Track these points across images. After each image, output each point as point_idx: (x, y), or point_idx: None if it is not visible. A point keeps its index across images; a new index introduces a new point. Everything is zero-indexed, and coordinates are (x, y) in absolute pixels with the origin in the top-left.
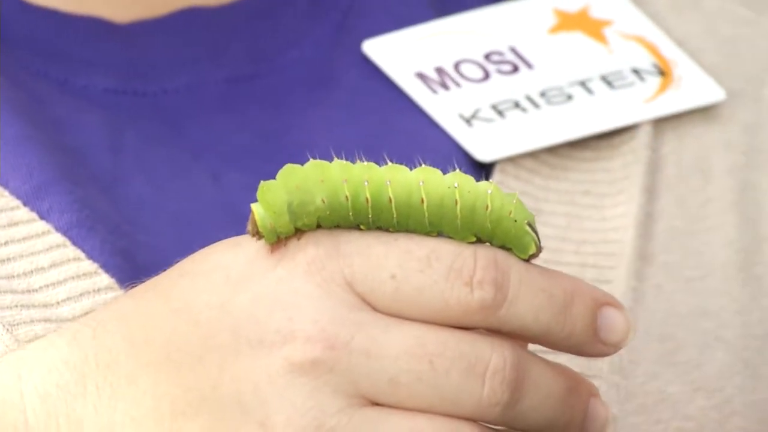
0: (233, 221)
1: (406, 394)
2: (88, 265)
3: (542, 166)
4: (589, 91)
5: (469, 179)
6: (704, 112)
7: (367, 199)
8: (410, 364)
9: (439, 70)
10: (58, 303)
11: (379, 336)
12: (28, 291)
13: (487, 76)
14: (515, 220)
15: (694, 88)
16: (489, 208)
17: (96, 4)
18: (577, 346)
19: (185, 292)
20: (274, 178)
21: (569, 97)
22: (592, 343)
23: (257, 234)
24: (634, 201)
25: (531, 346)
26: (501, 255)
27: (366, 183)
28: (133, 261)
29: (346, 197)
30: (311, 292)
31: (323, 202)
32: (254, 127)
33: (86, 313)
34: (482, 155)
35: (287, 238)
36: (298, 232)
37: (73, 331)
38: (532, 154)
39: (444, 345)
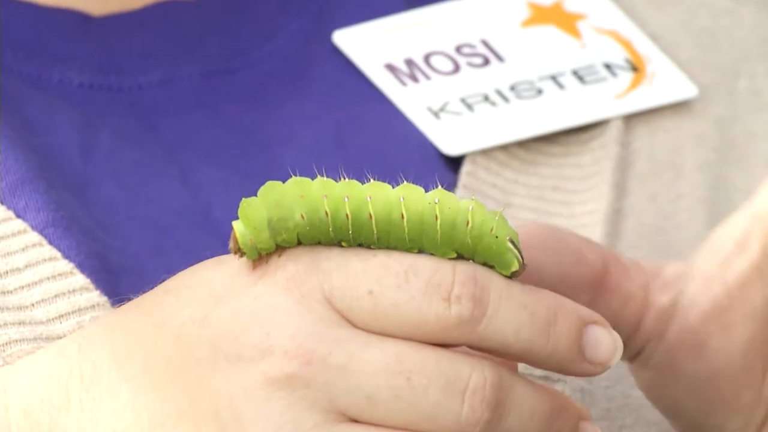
0: (205, 223)
1: (383, 411)
2: (64, 265)
3: (513, 160)
4: (560, 85)
5: (451, 196)
6: (676, 107)
7: (347, 215)
8: (388, 381)
9: (409, 62)
10: (32, 305)
11: (356, 352)
12: (2, 293)
13: (457, 68)
14: (496, 237)
15: (667, 84)
16: (470, 224)
17: None
18: (562, 365)
19: (168, 308)
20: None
21: (539, 92)
22: (578, 362)
23: (239, 251)
24: (604, 198)
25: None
26: (481, 271)
27: (346, 199)
28: (106, 264)
29: (326, 213)
30: (290, 307)
31: (303, 217)
32: (229, 122)
33: (60, 315)
34: (449, 149)
35: (269, 254)
36: (279, 248)
37: (60, 346)
38: (504, 147)
39: (422, 362)
